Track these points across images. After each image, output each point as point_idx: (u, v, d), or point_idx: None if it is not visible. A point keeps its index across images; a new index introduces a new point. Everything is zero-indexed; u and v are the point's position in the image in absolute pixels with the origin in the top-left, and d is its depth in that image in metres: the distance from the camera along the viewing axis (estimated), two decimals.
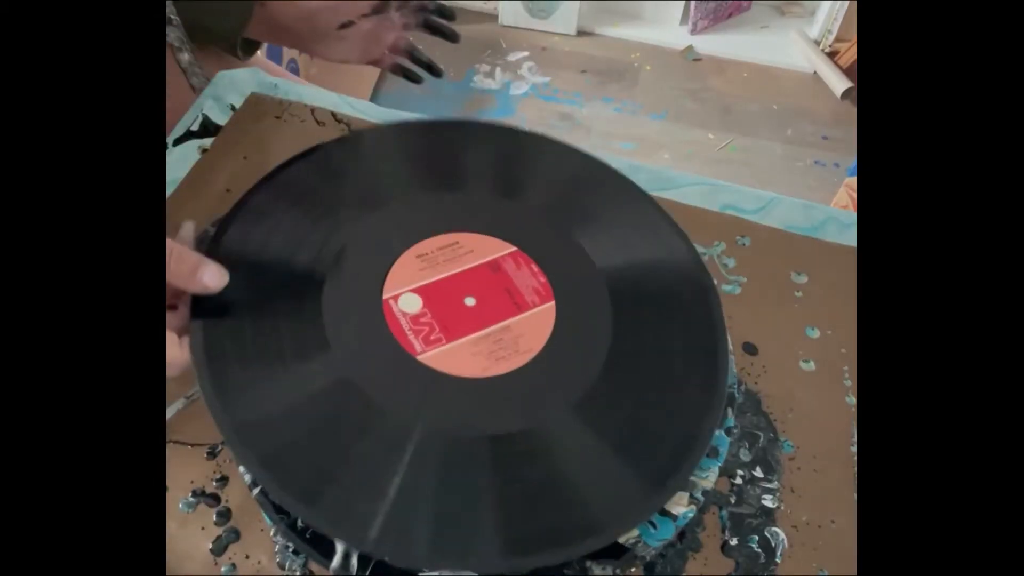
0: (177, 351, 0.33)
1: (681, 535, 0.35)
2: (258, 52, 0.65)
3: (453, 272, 0.40)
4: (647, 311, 0.39)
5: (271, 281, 0.38)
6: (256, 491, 0.35)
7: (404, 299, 0.38)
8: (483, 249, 0.41)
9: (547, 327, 0.38)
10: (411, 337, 0.37)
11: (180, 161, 0.49)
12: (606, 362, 0.37)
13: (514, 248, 0.41)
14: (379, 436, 0.33)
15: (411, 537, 0.31)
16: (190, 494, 0.35)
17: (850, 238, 0.48)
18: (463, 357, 0.36)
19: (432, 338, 0.37)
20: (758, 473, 0.37)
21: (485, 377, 0.36)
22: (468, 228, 0.42)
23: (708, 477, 0.35)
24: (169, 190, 0.47)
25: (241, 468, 0.36)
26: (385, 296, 0.38)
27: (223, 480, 0.36)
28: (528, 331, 0.38)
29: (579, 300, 0.39)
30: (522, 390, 0.36)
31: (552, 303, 0.39)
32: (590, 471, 0.34)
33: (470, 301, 0.39)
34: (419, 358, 0.36)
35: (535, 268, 0.40)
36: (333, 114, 0.53)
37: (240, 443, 0.32)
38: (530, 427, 0.34)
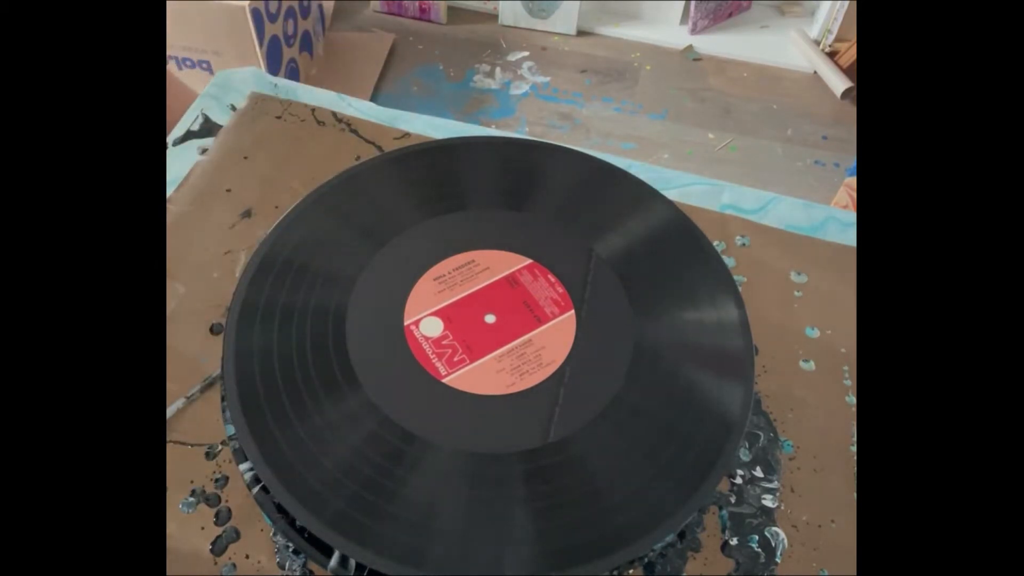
0: None
1: (681, 535, 0.35)
2: (258, 59, 0.63)
3: (471, 291, 0.40)
4: (668, 311, 0.39)
5: (296, 321, 0.38)
6: (256, 490, 0.35)
7: (425, 323, 0.38)
8: (499, 265, 0.41)
9: (568, 337, 0.38)
10: (435, 361, 0.37)
11: (180, 161, 0.49)
12: (630, 367, 0.37)
13: (529, 260, 0.41)
14: (411, 463, 0.34)
15: (447, 556, 0.31)
16: (190, 494, 0.35)
17: (850, 238, 0.48)
18: (488, 375, 0.37)
19: (456, 359, 0.37)
20: (758, 473, 0.37)
21: (511, 393, 0.36)
22: (482, 245, 0.42)
23: None
24: (169, 190, 0.47)
25: (242, 471, 0.36)
26: (406, 322, 0.38)
27: (223, 480, 0.36)
28: (550, 343, 0.38)
29: (598, 306, 0.39)
30: (548, 402, 0.36)
31: (571, 312, 0.39)
32: (622, 479, 0.34)
33: (490, 318, 0.39)
34: (444, 381, 0.36)
35: (552, 278, 0.40)
36: (333, 114, 0.53)
37: (282, 485, 0.33)
38: (558, 439, 0.35)
